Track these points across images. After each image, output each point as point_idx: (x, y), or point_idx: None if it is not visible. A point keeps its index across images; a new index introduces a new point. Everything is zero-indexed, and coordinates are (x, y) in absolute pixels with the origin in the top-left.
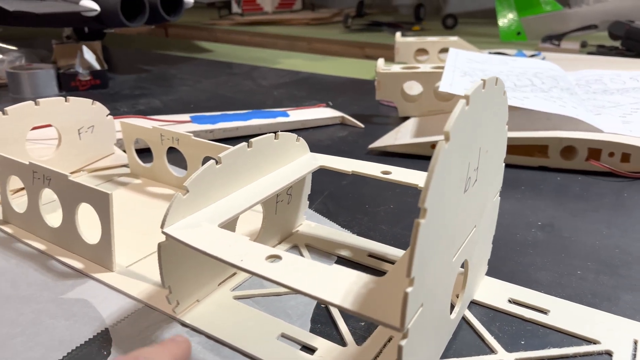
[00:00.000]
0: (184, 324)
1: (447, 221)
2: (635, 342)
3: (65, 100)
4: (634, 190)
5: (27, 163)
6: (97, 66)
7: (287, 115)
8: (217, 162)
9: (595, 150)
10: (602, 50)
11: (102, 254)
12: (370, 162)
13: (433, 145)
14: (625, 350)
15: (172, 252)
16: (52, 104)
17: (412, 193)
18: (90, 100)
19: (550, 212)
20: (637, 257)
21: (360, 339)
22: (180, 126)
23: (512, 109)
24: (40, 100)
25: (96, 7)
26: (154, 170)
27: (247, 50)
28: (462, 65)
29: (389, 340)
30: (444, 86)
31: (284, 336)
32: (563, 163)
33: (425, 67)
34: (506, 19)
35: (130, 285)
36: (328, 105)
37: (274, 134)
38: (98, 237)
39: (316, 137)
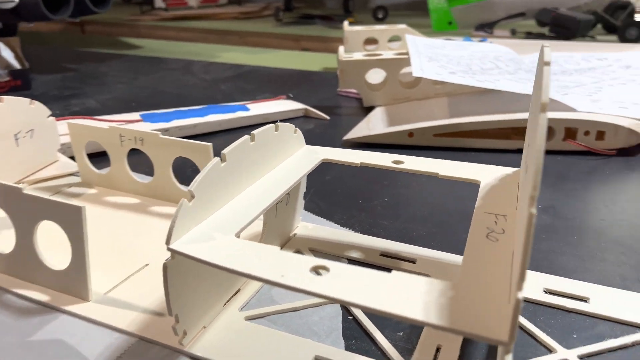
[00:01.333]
0: (193, 357)
1: None
2: None
3: None
4: (614, 167)
5: None
6: (17, 65)
7: (247, 109)
8: (221, 160)
9: (571, 130)
10: (531, 37)
11: (73, 281)
12: (377, 152)
13: (410, 133)
14: None
15: (177, 273)
16: None
17: (403, 184)
18: (27, 100)
19: (545, 194)
20: None
21: (404, 351)
22: (131, 126)
23: (485, 92)
24: None
25: None
26: (112, 177)
27: (179, 45)
28: (424, 51)
29: (437, 350)
30: (416, 71)
31: (318, 359)
32: None
33: (388, 54)
34: (437, 9)
35: (114, 316)
36: (289, 97)
37: (274, 125)
38: (65, 261)
39: None
